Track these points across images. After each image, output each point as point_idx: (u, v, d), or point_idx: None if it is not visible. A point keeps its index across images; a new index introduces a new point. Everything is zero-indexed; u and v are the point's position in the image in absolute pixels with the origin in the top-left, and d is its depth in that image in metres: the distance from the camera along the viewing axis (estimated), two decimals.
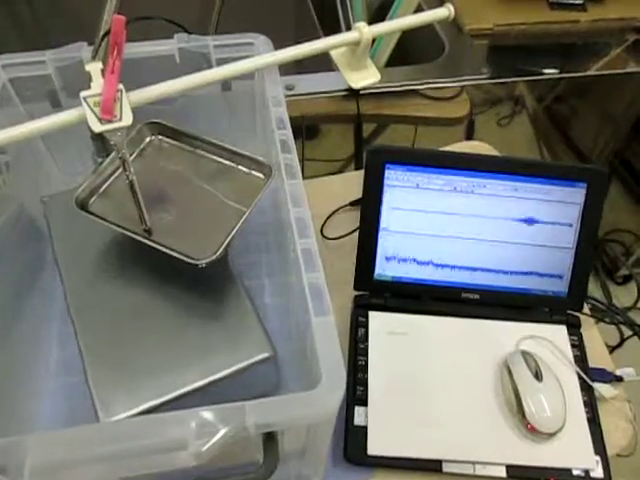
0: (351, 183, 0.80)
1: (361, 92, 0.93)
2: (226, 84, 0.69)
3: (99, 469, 0.37)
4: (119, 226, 0.55)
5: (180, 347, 0.53)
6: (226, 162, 0.62)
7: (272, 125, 0.55)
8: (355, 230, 0.71)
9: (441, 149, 0.84)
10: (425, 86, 0.94)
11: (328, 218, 0.78)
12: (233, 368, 0.51)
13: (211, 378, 0.51)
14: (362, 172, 0.72)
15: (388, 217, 0.68)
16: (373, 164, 0.67)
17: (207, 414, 0.38)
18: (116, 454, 0.37)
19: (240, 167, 0.61)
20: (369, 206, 0.68)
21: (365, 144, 1.11)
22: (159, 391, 0.50)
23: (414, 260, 0.69)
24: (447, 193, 0.67)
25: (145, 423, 0.39)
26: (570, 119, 1.32)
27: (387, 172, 0.67)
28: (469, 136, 1.09)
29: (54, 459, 0.36)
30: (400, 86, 0.93)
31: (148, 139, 0.64)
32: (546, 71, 1.01)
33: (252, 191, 0.59)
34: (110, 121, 0.52)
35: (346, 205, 0.79)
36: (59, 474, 0.37)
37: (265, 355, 0.52)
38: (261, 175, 0.60)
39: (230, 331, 0.54)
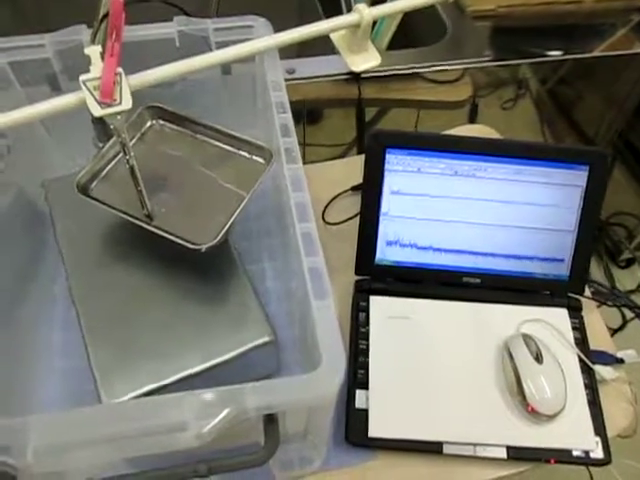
0: (353, 168, 0.79)
1: (363, 76, 0.92)
2: (226, 68, 0.69)
3: (101, 450, 0.38)
4: (120, 211, 0.56)
5: (182, 331, 0.53)
6: (227, 147, 0.62)
7: (272, 109, 0.55)
8: (356, 215, 0.71)
9: (443, 133, 0.83)
10: (427, 69, 0.93)
11: (329, 203, 0.78)
12: (234, 352, 0.52)
13: (212, 362, 0.51)
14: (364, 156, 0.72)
15: (389, 202, 0.68)
16: (373, 148, 0.67)
17: (208, 396, 0.38)
18: (118, 435, 0.37)
19: (241, 152, 0.61)
20: (370, 191, 0.68)
21: (367, 128, 1.11)
22: (161, 374, 0.50)
23: (415, 245, 0.69)
24: (448, 177, 0.67)
25: (147, 404, 0.39)
26: (574, 102, 1.31)
27: (388, 156, 0.67)
28: (472, 119, 1.09)
29: (57, 440, 0.36)
30: (402, 69, 0.93)
31: (149, 123, 0.64)
32: (550, 53, 1.00)
33: (253, 176, 0.58)
34: (110, 105, 0.52)
35: (347, 190, 0.79)
36: (62, 455, 0.37)
37: (265, 339, 0.53)
38: (261, 160, 0.60)
39: (231, 315, 0.54)
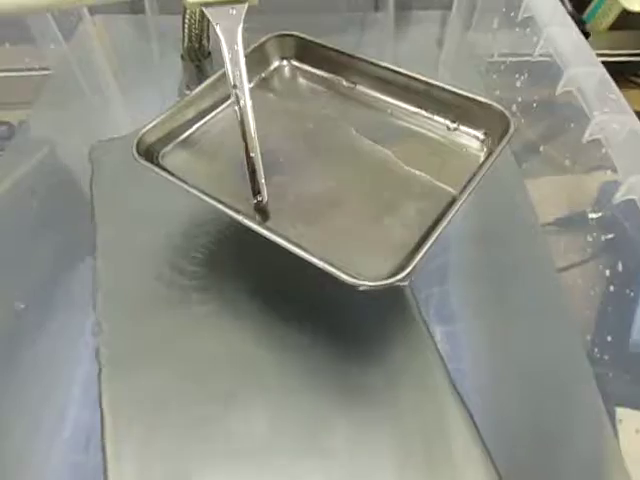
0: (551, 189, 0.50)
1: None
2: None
3: None
4: (210, 196, 0.29)
5: (312, 464, 0.25)
6: (410, 107, 0.34)
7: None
8: (588, 260, 0.42)
9: None
10: None
11: None
12: None
13: None
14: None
15: None
16: None
17: None
18: None
19: (436, 116, 0.33)
20: None
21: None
22: None
23: None
24: None
25: None
26: None
27: None
28: None
29: None
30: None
31: (276, 64, 0.38)
32: None
33: (460, 162, 0.31)
34: None
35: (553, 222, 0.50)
36: None
37: None
38: (479, 133, 0.32)
39: (411, 432, 0.25)
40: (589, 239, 0.36)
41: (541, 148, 0.31)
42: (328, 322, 0.29)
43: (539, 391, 0.27)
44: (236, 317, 0.29)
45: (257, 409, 0.27)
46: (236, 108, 0.28)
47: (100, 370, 0.28)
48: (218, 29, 0.27)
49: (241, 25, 0.28)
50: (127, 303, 0.31)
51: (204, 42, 0.42)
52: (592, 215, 0.48)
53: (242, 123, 0.28)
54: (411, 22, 0.43)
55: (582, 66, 0.24)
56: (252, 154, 0.28)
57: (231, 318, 0.29)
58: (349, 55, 0.35)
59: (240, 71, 0.27)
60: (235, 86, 0.28)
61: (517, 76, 0.30)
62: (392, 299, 0.29)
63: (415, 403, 0.26)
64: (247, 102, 0.28)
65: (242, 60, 0.27)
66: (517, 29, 0.31)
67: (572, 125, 0.24)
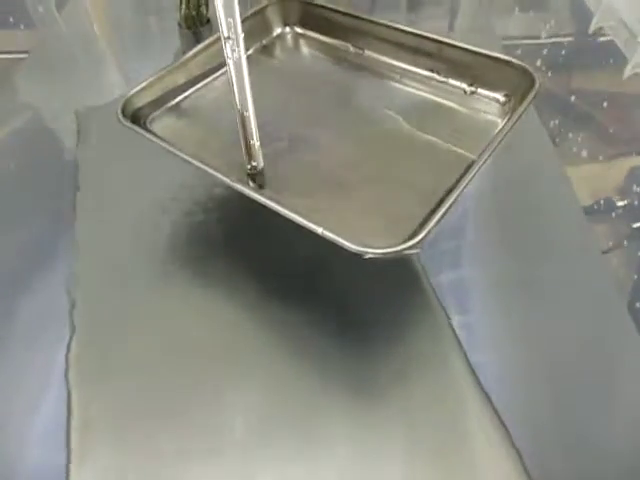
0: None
1: None
2: None
3: None
4: (200, 160, 0.26)
5: (309, 461, 0.22)
6: (422, 71, 0.31)
7: None
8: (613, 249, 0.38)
9: None
10: None
11: None
12: None
13: None
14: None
15: None
16: None
17: None
18: None
19: (451, 80, 0.30)
20: None
21: None
22: None
23: None
24: None
25: None
26: None
27: None
28: None
29: None
30: None
31: (279, 30, 0.35)
32: None
33: (478, 127, 0.28)
34: None
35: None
36: None
37: None
38: (499, 96, 0.29)
39: (425, 427, 0.22)
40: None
41: (572, 99, 0.28)
42: (332, 301, 0.26)
43: (581, 380, 0.24)
44: (229, 292, 0.26)
45: (250, 399, 0.23)
46: (229, 62, 0.25)
47: (72, 334, 0.26)
48: None
49: None
50: (106, 271, 0.28)
51: (202, 9, 0.39)
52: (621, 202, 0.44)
53: (235, 77, 0.25)
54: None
55: None
56: (245, 113, 0.25)
57: (224, 293, 0.26)
58: (356, 17, 0.32)
59: (234, 19, 0.25)
60: (228, 37, 0.25)
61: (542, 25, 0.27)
62: (404, 275, 0.26)
63: (430, 395, 0.23)
64: (241, 54, 0.25)
65: (236, 7, 0.25)
66: None
67: (610, 61, 0.21)
